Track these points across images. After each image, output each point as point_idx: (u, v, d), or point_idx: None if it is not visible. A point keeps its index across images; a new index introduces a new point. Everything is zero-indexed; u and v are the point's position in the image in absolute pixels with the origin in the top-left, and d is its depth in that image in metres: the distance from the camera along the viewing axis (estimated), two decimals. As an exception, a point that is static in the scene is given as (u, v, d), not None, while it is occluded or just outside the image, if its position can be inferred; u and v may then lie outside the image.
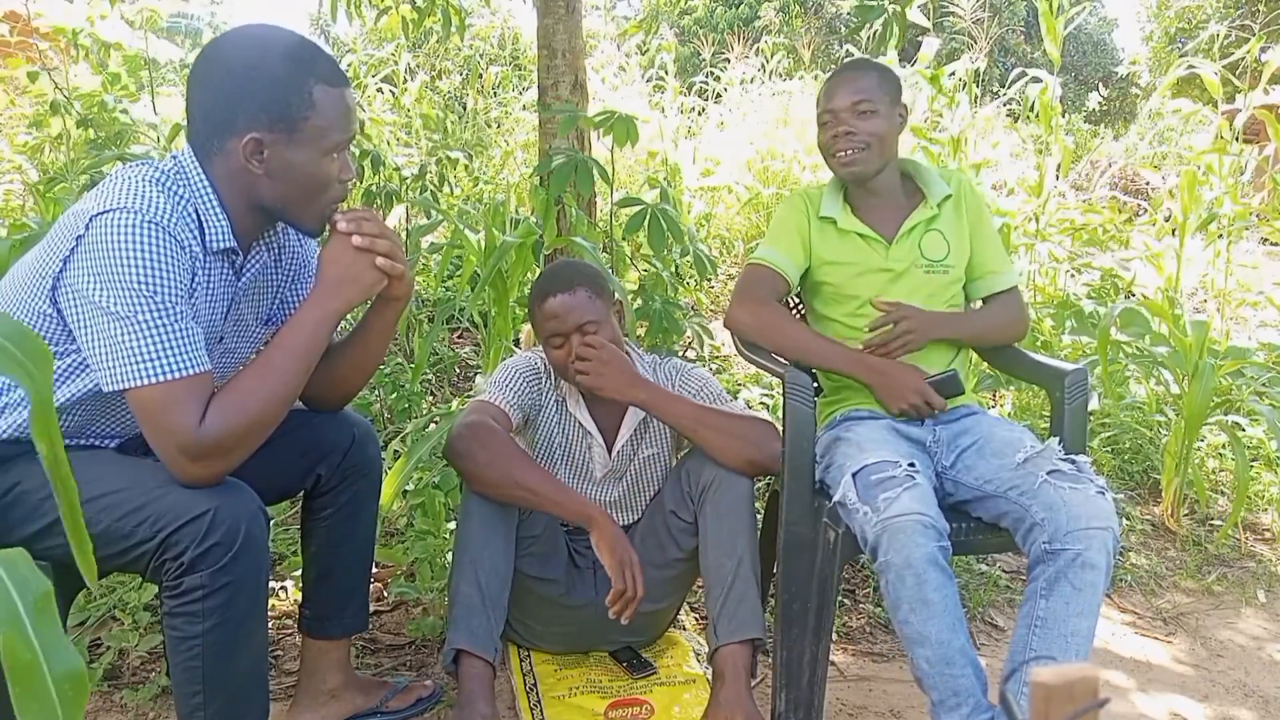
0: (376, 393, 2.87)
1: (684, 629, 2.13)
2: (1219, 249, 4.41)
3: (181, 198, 1.30)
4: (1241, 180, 4.50)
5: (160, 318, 1.22)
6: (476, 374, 3.26)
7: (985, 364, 2.39)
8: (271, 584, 2.09)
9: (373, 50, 7.13)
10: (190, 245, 1.28)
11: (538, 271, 2.85)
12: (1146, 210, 5.84)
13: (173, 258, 1.24)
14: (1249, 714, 2.02)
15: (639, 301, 2.87)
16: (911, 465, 1.53)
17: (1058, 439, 1.65)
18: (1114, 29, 19.57)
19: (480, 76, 7.00)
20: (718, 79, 7.25)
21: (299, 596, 1.84)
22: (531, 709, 1.78)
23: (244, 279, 1.43)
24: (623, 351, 1.79)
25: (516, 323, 3.08)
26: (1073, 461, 1.55)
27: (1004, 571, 2.56)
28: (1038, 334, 3.65)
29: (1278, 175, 4.79)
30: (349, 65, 6.07)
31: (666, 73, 7.00)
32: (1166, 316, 3.19)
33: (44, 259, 1.27)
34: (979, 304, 1.98)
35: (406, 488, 2.23)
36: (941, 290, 1.88)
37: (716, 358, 3.72)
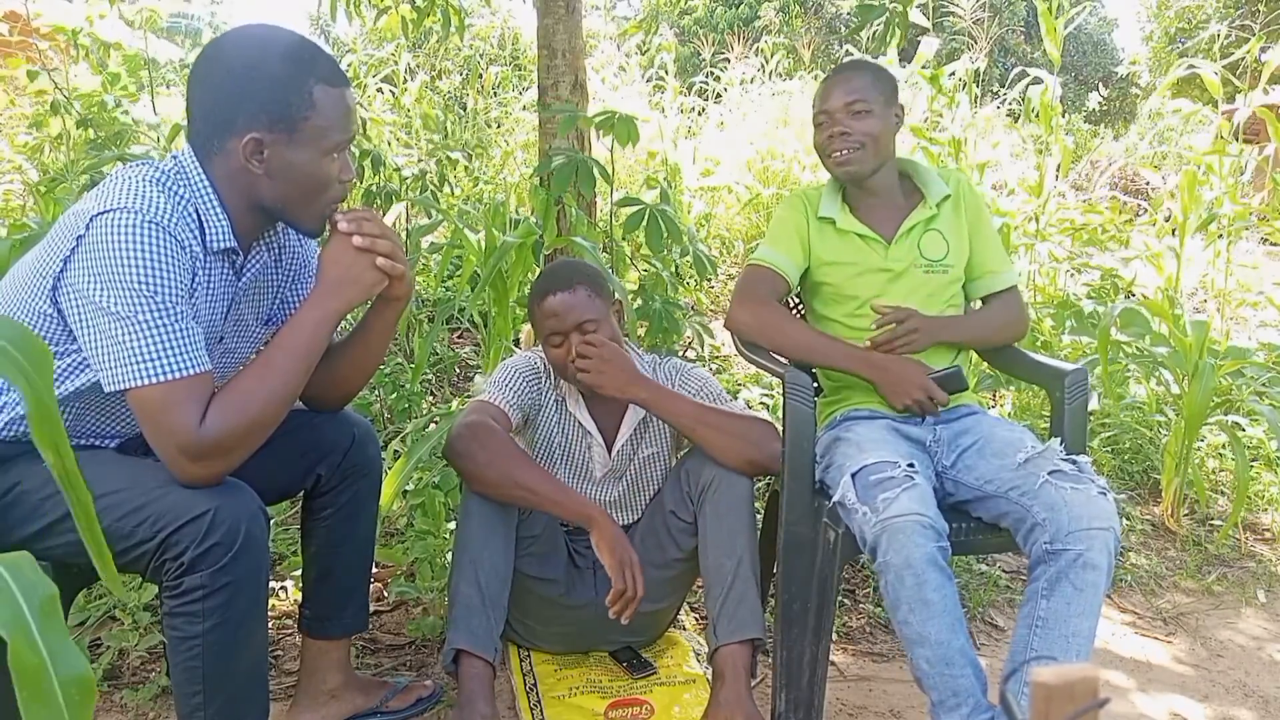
0: (376, 393, 2.87)
1: (684, 629, 2.13)
2: (1219, 249, 4.41)
3: (182, 198, 1.30)
4: (1241, 180, 4.51)
5: (161, 318, 1.22)
6: (476, 374, 3.26)
7: (985, 364, 2.39)
8: (271, 584, 2.09)
9: (373, 50, 7.13)
10: (190, 245, 1.28)
11: (538, 271, 2.85)
12: (1146, 210, 5.84)
13: (173, 258, 1.24)
14: (1249, 714, 2.02)
15: (639, 301, 2.87)
16: (911, 465, 1.53)
17: (1059, 439, 1.65)
18: (1114, 29, 19.58)
19: (480, 76, 7.00)
20: (718, 79, 7.25)
21: (299, 596, 1.84)
22: (531, 709, 1.78)
23: (244, 279, 1.43)
24: (623, 350, 1.79)
25: (516, 323, 3.08)
26: (1074, 462, 1.55)
27: (1004, 571, 2.56)
28: (1038, 334, 3.65)
29: (1278, 175, 4.79)
30: (349, 65, 6.07)
31: (666, 73, 7.00)
32: (1166, 316, 3.19)
33: (44, 259, 1.27)
34: (978, 304, 1.98)
35: (406, 488, 2.23)
36: (941, 290, 1.88)
37: (716, 358, 3.72)
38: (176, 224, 1.26)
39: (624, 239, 3.26)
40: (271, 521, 1.59)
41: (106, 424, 1.39)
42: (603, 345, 1.73)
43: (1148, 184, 7.21)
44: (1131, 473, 3.20)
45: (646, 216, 2.65)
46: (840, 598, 2.24)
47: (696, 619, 2.21)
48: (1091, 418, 3.16)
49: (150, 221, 1.23)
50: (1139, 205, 6.16)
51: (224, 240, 1.34)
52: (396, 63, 6.23)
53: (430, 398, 3.17)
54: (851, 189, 1.92)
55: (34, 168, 4.20)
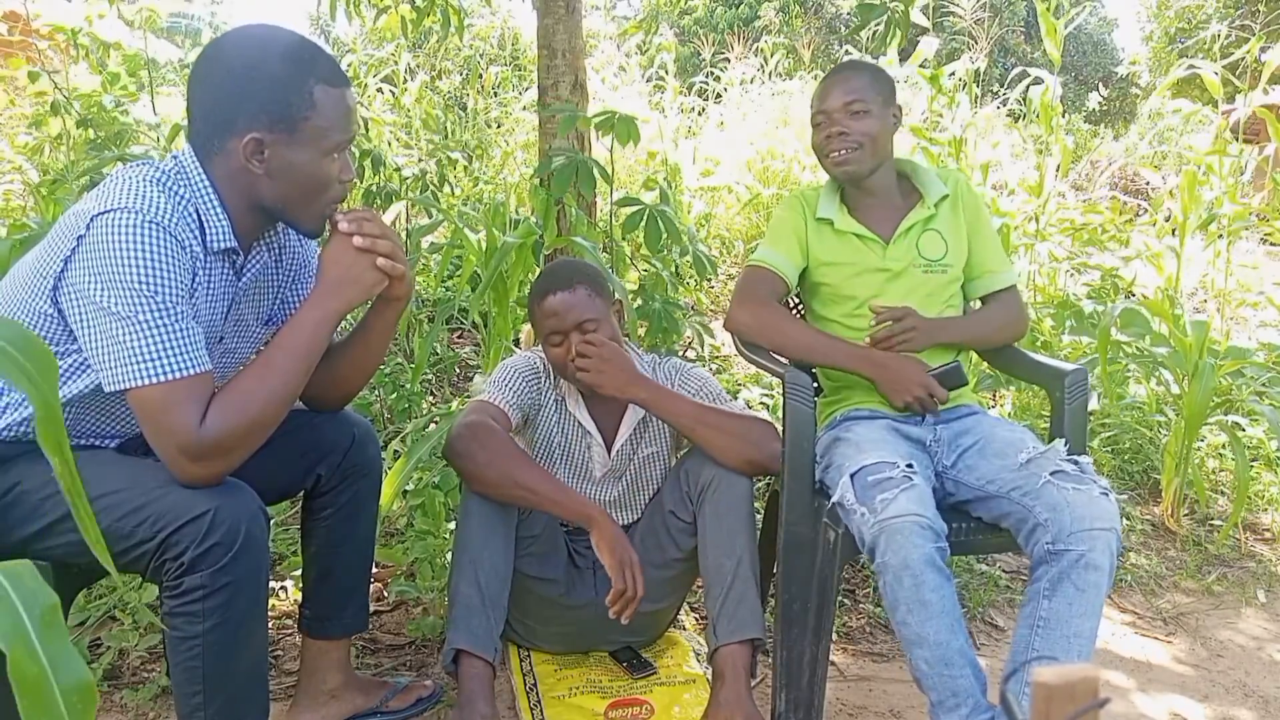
0: (376, 393, 2.87)
1: (684, 629, 2.13)
2: (1219, 249, 4.41)
3: (182, 198, 1.30)
4: (1241, 180, 4.51)
5: (161, 318, 1.22)
6: (476, 374, 3.26)
7: (985, 364, 2.39)
8: (271, 584, 2.09)
9: (373, 50, 7.13)
10: (191, 245, 1.28)
11: (538, 271, 2.85)
12: (1146, 210, 5.84)
13: (173, 258, 1.24)
14: (1249, 714, 2.02)
15: (639, 301, 2.87)
16: (909, 466, 1.53)
17: (1063, 440, 1.65)
18: (1114, 29, 19.58)
19: (480, 77, 7.00)
20: (718, 79, 7.25)
21: (299, 596, 1.84)
22: (531, 709, 1.78)
23: (244, 279, 1.43)
24: (623, 350, 1.79)
25: (516, 323, 3.08)
26: (1075, 462, 1.55)
27: (1004, 571, 2.56)
28: (1038, 334, 3.65)
29: (1278, 175, 4.79)
30: (349, 65, 6.07)
31: (666, 73, 7.00)
32: (1166, 316, 3.19)
33: (45, 259, 1.27)
34: (977, 303, 1.98)
35: (406, 488, 2.23)
36: (940, 290, 1.88)
37: (716, 358, 3.72)
38: (177, 224, 1.26)
39: (624, 239, 3.26)
40: (271, 521, 1.59)
41: (106, 424, 1.39)
42: (602, 345, 1.73)
43: (1148, 184, 7.21)
44: (1131, 473, 3.20)
45: (646, 216, 2.65)
46: (840, 598, 2.25)
47: (696, 619, 2.21)
48: (1091, 418, 3.16)
49: (150, 221, 1.23)
50: (1139, 205, 6.16)
51: (224, 240, 1.34)
52: (396, 63, 6.23)
53: (430, 398, 3.17)
54: (850, 189, 1.92)
55: (34, 168, 4.20)
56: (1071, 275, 4.74)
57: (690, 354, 3.54)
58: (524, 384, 1.84)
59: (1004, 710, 1.24)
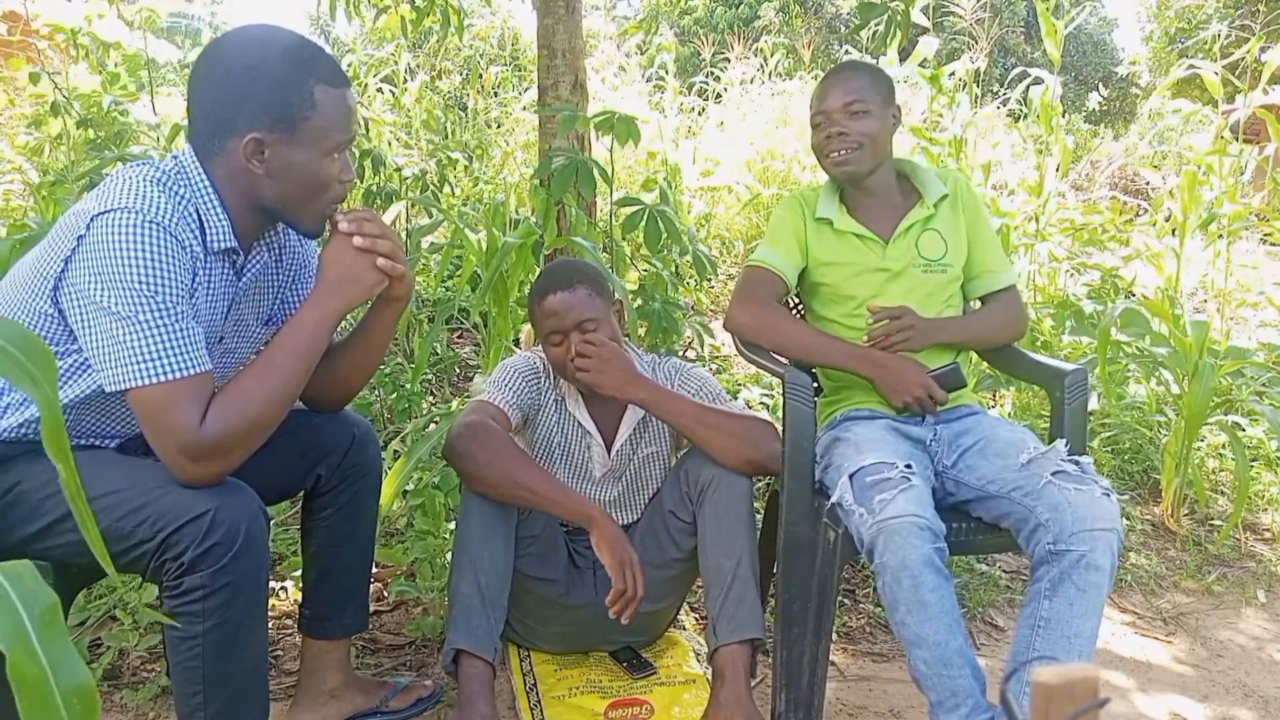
0: (376, 393, 2.87)
1: (684, 629, 2.13)
2: (1219, 249, 4.41)
3: (182, 198, 1.30)
4: (1241, 180, 4.51)
5: (161, 318, 1.22)
6: (476, 374, 3.26)
7: (985, 364, 2.39)
8: (271, 584, 2.09)
9: (373, 50, 7.13)
10: (191, 245, 1.28)
11: (538, 271, 2.85)
12: (1146, 210, 5.84)
13: (174, 258, 1.24)
14: (1249, 714, 2.02)
15: (639, 301, 2.87)
16: (908, 467, 1.53)
17: (1064, 441, 1.65)
18: (1114, 29, 19.58)
19: (480, 77, 7.00)
20: (718, 79, 7.25)
21: (299, 596, 1.84)
22: (531, 709, 1.78)
23: (245, 279, 1.43)
24: (622, 350, 1.79)
25: (516, 323, 3.08)
26: (1077, 463, 1.55)
27: (1004, 571, 2.56)
28: (1038, 334, 3.65)
29: (1278, 175, 4.79)
30: (349, 65, 6.08)
31: (666, 73, 7.01)
32: (1166, 316, 3.19)
33: (45, 259, 1.27)
34: (977, 303, 1.98)
35: (406, 488, 2.23)
36: (939, 289, 1.88)
37: (716, 358, 3.72)
38: (177, 224, 1.26)
39: (624, 239, 3.26)
40: (271, 521, 1.59)
41: (106, 424, 1.39)
42: (602, 345, 1.73)
43: (1148, 184, 7.21)
44: (1131, 473, 3.20)
45: (646, 216, 2.65)
46: (840, 598, 2.25)
47: (696, 619, 2.21)
48: (1091, 418, 3.16)
49: (151, 221, 1.23)
50: (1139, 205, 6.16)
51: (224, 240, 1.34)
52: (396, 63, 6.24)
53: (430, 398, 3.17)
54: (849, 189, 1.92)
55: (34, 168, 4.20)
56: (1071, 275, 4.74)
57: (690, 354, 3.54)
58: (524, 384, 1.84)
59: (1004, 710, 1.24)
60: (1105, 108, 15.54)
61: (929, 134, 4.54)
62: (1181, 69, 4.41)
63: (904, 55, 5.08)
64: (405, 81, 6.20)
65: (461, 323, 3.63)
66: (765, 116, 6.19)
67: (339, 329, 1.46)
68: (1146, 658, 2.24)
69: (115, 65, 4.40)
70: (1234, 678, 2.16)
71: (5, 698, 0.50)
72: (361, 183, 3.63)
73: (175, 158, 1.35)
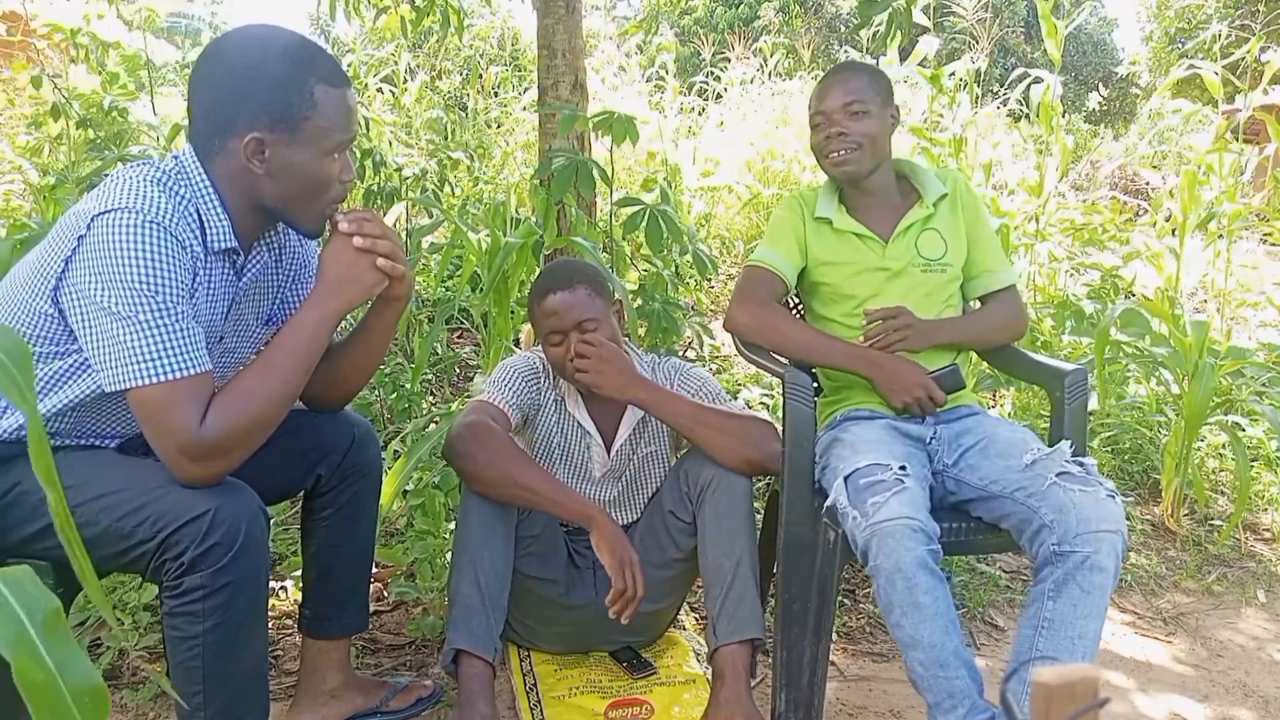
0: (376, 393, 2.87)
1: (684, 629, 2.13)
2: (1219, 249, 4.41)
3: (183, 198, 1.30)
4: (1241, 180, 4.51)
5: (161, 318, 1.22)
6: (476, 374, 3.27)
7: (985, 364, 2.39)
8: (271, 584, 2.09)
9: (373, 50, 7.13)
10: (191, 245, 1.28)
11: (538, 271, 2.85)
12: (1146, 210, 5.84)
13: (174, 258, 1.24)
14: (1249, 714, 2.02)
15: (639, 301, 2.87)
16: (903, 469, 1.53)
17: (1069, 441, 1.65)
18: (1114, 29, 19.59)
19: (480, 77, 7.00)
20: (718, 79, 7.25)
21: (299, 596, 1.84)
22: (531, 709, 1.78)
23: (245, 279, 1.43)
24: (622, 350, 1.79)
25: (516, 323, 3.08)
26: (1081, 464, 1.55)
27: (1004, 571, 2.56)
28: (1038, 334, 3.65)
29: (1278, 175, 4.79)
30: (349, 65, 6.08)
31: (666, 73, 7.01)
32: (1166, 316, 3.19)
33: (45, 259, 1.27)
34: (976, 303, 1.98)
35: (406, 488, 2.23)
36: (939, 289, 1.88)
37: (716, 358, 3.72)
38: (177, 224, 1.26)
39: (624, 239, 3.26)
40: (271, 521, 1.59)
41: (107, 424, 1.39)
42: (601, 345, 1.73)
43: (1148, 184, 7.21)
44: (1131, 473, 3.20)
45: (647, 216, 2.65)
46: (840, 598, 2.24)
47: (696, 619, 2.21)
48: (1091, 418, 3.16)
49: (151, 221, 1.23)
50: (1139, 205, 6.17)
51: (225, 240, 1.34)
52: (396, 63, 6.24)
53: (430, 398, 3.17)
54: (848, 189, 1.92)
55: (34, 168, 4.20)
56: (1071, 275, 4.74)
57: (690, 354, 3.54)
58: (524, 384, 1.84)
59: (1004, 710, 1.24)
60: (1105, 108, 15.54)
61: (929, 134, 4.54)
62: (1181, 69, 4.41)
63: (904, 55, 5.08)
64: (405, 81, 6.20)
65: (461, 323, 3.63)
66: (765, 116, 6.20)
67: (339, 329, 1.46)
68: (1146, 658, 2.24)
69: (115, 65, 4.40)
70: (1234, 678, 2.16)
71: (4, 698, 0.50)
72: (361, 183, 3.63)
73: (175, 158, 1.34)
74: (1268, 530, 2.99)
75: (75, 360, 1.29)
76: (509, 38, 7.92)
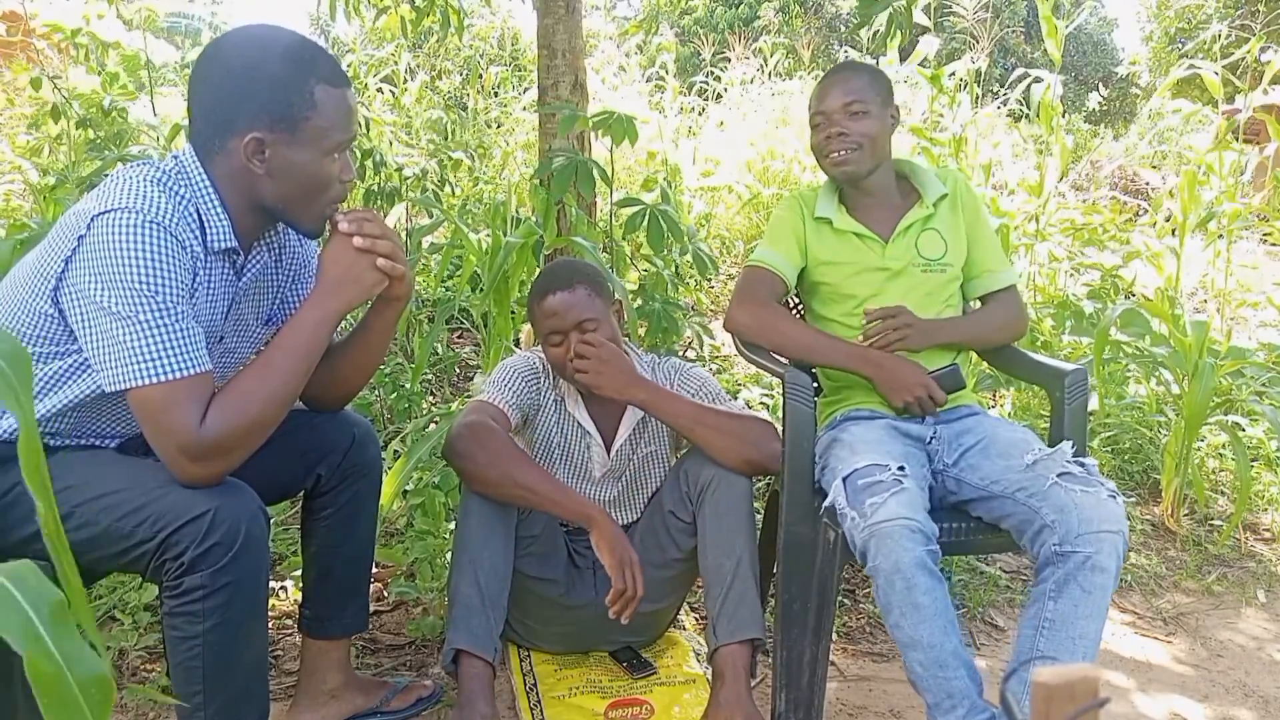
0: (376, 393, 2.87)
1: (684, 629, 2.13)
2: (1219, 249, 4.41)
3: (183, 197, 1.30)
4: (1242, 180, 4.51)
5: (161, 318, 1.22)
6: (476, 374, 3.26)
7: (985, 364, 2.39)
8: (271, 584, 2.09)
9: (373, 50, 7.13)
10: (191, 245, 1.28)
11: (538, 271, 2.85)
12: (1146, 210, 5.84)
13: (174, 257, 1.24)
14: (1249, 714, 2.02)
15: (639, 301, 2.87)
16: (901, 469, 1.53)
17: (1070, 442, 1.65)
18: (1114, 29, 19.59)
19: (480, 77, 7.01)
20: (718, 79, 7.25)
21: (299, 596, 1.84)
22: (531, 709, 1.78)
23: (245, 279, 1.43)
24: (622, 350, 1.79)
25: (516, 323, 3.08)
26: (1082, 464, 1.55)
27: (1004, 571, 2.56)
28: (1038, 334, 3.65)
29: (1278, 175, 4.79)
30: (349, 65, 6.08)
31: (666, 73, 7.01)
32: (1166, 317, 3.19)
33: (45, 259, 1.27)
34: (977, 303, 1.98)
35: (406, 488, 2.23)
36: (939, 289, 1.88)
37: (716, 358, 3.72)
38: (177, 224, 1.26)
39: (624, 239, 3.26)
40: (271, 521, 1.59)
41: (107, 424, 1.39)
42: (601, 345, 1.73)
43: (1148, 184, 7.21)
44: (1131, 473, 3.20)
45: (647, 216, 2.65)
46: (840, 598, 2.24)
47: (696, 619, 2.21)
48: (1091, 418, 3.16)
49: (151, 221, 1.23)
50: (1139, 205, 6.16)
51: (225, 240, 1.34)
52: (396, 63, 6.24)
53: (430, 398, 3.17)
54: (848, 189, 1.92)
55: (34, 168, 4.20)
56: (1071, 275, 4.74)
57: (690, 354, 3.54)
58: (523, 384, 1.84)
59: (1004, 710, 1.24)
60: (1105, 108, 15.54)
61: (929, 134, 4.54)
62: (1182, 69, 4.41)
63: (904, 55, 5.08)
64: (405, 81, 6.20)
65: (461, 323, 3.63)
66: (765, 116, 6.20)
67: (339, 329, 1.46)
68: (1146, 658, 2.24)
69: (114, 65, 4.40)
70: (1234, 678, 2.16)
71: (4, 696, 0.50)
72: (361, 183, 3.63)
73: (175, 157, 1.34)
74: (1268, 530, 2.99)
75: (75, 360, 1.29)
76: (509, 38, 7.93)
